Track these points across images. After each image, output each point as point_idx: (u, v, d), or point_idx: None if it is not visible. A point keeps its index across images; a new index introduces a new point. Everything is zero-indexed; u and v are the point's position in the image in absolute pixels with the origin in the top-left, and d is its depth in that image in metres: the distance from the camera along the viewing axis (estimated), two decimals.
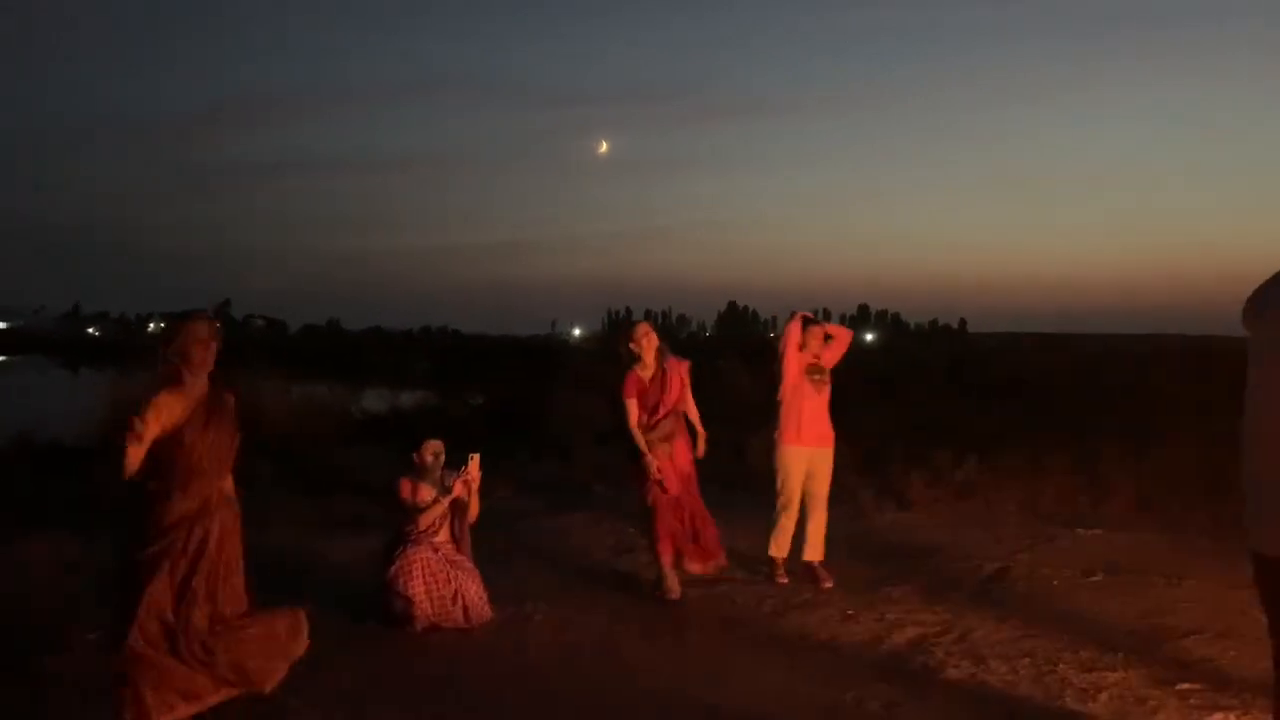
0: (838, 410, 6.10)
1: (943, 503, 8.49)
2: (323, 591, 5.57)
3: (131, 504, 3.40)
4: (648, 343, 5.75)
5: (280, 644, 3.60)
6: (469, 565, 5.23)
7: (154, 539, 3.34)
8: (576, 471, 10.02)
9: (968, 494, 8.66)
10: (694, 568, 5.79)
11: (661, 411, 5.69)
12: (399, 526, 5.24)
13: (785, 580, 5.94)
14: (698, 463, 5.88)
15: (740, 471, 8.95)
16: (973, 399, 14.86)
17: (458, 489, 5.23)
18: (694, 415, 5.90)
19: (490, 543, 6.17)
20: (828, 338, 6.10)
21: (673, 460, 5.67)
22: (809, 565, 5.98)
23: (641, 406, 5.70)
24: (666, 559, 5.62)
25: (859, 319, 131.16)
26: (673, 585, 5.57)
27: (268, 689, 3.63)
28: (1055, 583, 5.98)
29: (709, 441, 5.94)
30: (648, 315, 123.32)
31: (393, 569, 5.05)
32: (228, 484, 3.61)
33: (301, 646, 3.69)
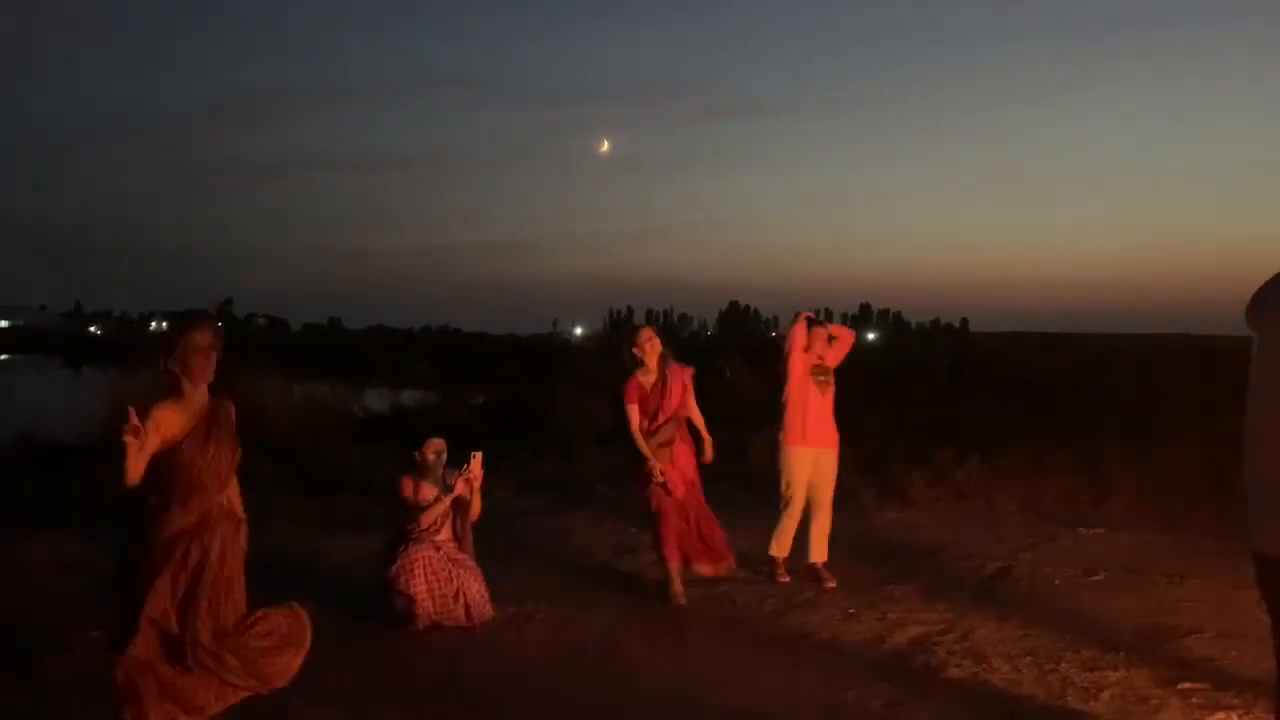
0: (840, 410, 6.09)
1: (944, 502, 8.49)
2: (324, 590, 5.57)
3: (132, 515, 3.37)
4: (650, 348, 5.74)
5: (287, 638, 3.58)
6: (471, 564, 5.24)
7: (154, 551, 3.31)
8: (578, 471, 10.02)
9: (969, 493, 8.65)
10: (704, 570, 5.78)
11: (661, 418, 5.67)
12: (401, 525, 5.24)
13: (787, 579, 5.94)
14: (701, 464, 5.87)
15: (742, 471, 8.94)
16: (975, 398, 14.87)
17: (459, 487, 5.23)
18: (699, 421, 5.87)
19: (491, 542, 6.17)
20: (831, 339, 6.09)
21: (674, 465, 5.67)
22: (812, 566, 5.98)
23: (642, 412, 5.70)
24: (673, 564, 5.60)
25: (860, 318, 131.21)
26: (678, 590, 5.57)
27: (284, 684, 3.61)
28: (1057, 582, 5.97)
29: (714, 445, 5.93)
30: (649, 314, 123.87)
31: (394, 568, 5.05)
32: (232, 497, 3.58)
33: (307, 636, 3.67)
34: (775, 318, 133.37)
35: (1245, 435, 2.82)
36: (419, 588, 5.00)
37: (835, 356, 6.10)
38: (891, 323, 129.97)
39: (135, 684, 3.25)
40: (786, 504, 5.94)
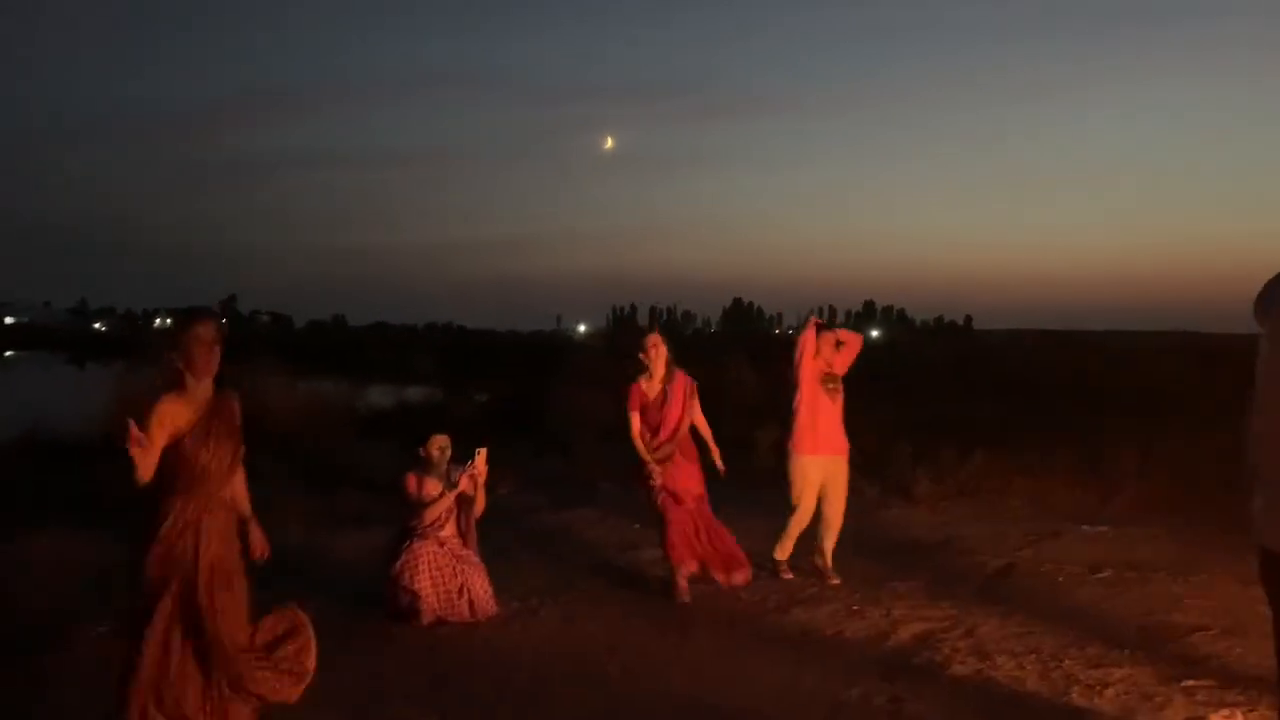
0: (844, 407, 6.08)
1: (948, 499, 8.49)
2: (328, 586, 5.59)
3: (145, 509, 3.40)
4: (656, 353, 5.73)
5: (294, 665, 3.60)
6: (475, 560, 5.25)
7: (157, 544, 3.34)
8: (582, 468, 10.03)
9: (973, 490, 8.66)
10: (720, 578, 5.74)
11: (664, 433, 5.65)
12: (405, 521, 5.25)
13: (790, 576, 5.94)
14: (708, 476, 5.84)
15: (746, 469, 8.94)
16: (978, 395, 14.86)
17: (464, 483, 5.24)
18: (705, 431, 5.85)
19: (496, 538, 6.19)
20: (839, 344, 6.06)
21: (674, 473, 5.65)
22: (816, 563, 5.98)
23: (644, 422, 5.69)
24: (678, 562, 5.59)
25: (864, 315, 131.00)
26: (682, 587, 5.56)
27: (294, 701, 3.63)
28: (1061, 579, 5.97)
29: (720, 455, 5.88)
30: (652, 311, 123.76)
31: (399, 563, 5.06)
32: (238, 492, 3.60)
33: (312, 659, 3.69)
34: (779, 315, 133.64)
35: (1251, 430, 2.81)
36: (424, 583, 5.00)
37: (843, 363, 6.05)
38: (895, 320, 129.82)
39: (137, 687, 3.27)
40: (794, 510, 5.93)
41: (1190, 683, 4.18)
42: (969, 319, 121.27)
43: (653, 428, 5.68)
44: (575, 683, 4.29)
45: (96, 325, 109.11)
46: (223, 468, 3.44)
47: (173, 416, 3.32)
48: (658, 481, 5.59)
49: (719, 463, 5.83)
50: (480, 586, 5.15)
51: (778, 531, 6.00)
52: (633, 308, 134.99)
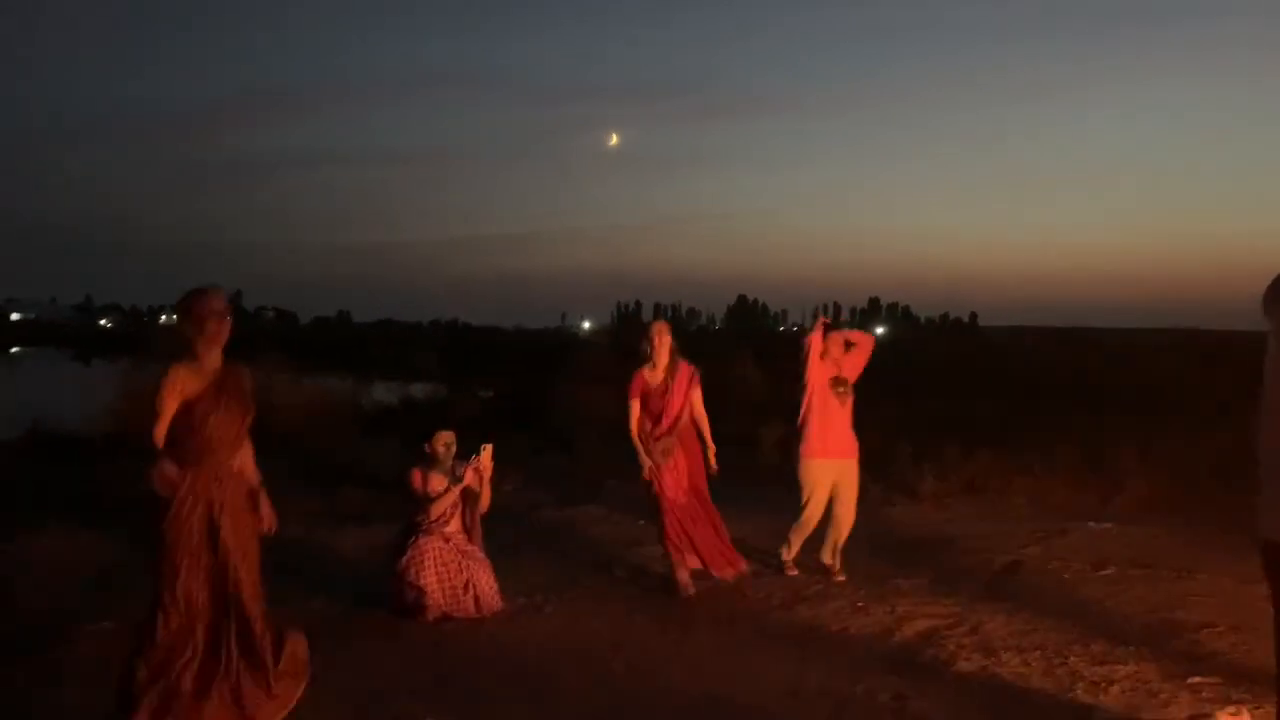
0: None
1: (953, 496, 8.49)
2: (333, 582, 5.60)
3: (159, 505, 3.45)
4: (659, 341, 5.72)
5: (290, 685, 3.64)
6: (480, 555, 5.25)
7: (168, 515, 3.38)
8: (587, 464, 10.03)
9: (978, 487, 8.65)
10: (718, 573, 5.73)
11: (665, 423, 5.65)
12: (410, 517, 5.25)
13: (795, 572, 5.94)
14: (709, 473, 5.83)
15: (750, 466, 8.95)
16: (980, 392, 14.83)
17: (469, 477, 5.24)
18: (704, 424, 5.81)
19: (500, 535, 6.19)
20: (849, 345, 6.02)
21: (676, 471, 5.65)
22: (823, 563, 5.97)
23: (644, 411, 5.69)
24: (678, 557, 5.59)
25: (870, 312, 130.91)
26: (684, 581, 5.56)
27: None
28: (1066, 576, 5.96)
29: (717, 443, 5.84)
30: (657, 308, 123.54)
31: (404, 559, 5.06)
32: (246, 462, 3.63)
33: (304, 678, 3.73)
34: (784, 312, 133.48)
35: (1260, 423, 2.81)
36: (429, 579, 5.01)
37: (854, 367, 5.99)
38: (900, 317, 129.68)
39: (141, 687, 3.30)
40: (806, 515, 5.90)
41: (1196, 679, 4.17)
42: (974, 316, 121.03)
43: (654, 416, 5.67)
44: (580, 678, 4.29)
45: (102, 322, 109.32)
46: (231, 436, 3.50)
47: (184, 383, 3.40)
48: (651, 474, 5.59)
49: (712, 461, 5.79)
50: (485, 582, 5.16)
51: (785, 531, 5.99)
52: (638, 304, 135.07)
